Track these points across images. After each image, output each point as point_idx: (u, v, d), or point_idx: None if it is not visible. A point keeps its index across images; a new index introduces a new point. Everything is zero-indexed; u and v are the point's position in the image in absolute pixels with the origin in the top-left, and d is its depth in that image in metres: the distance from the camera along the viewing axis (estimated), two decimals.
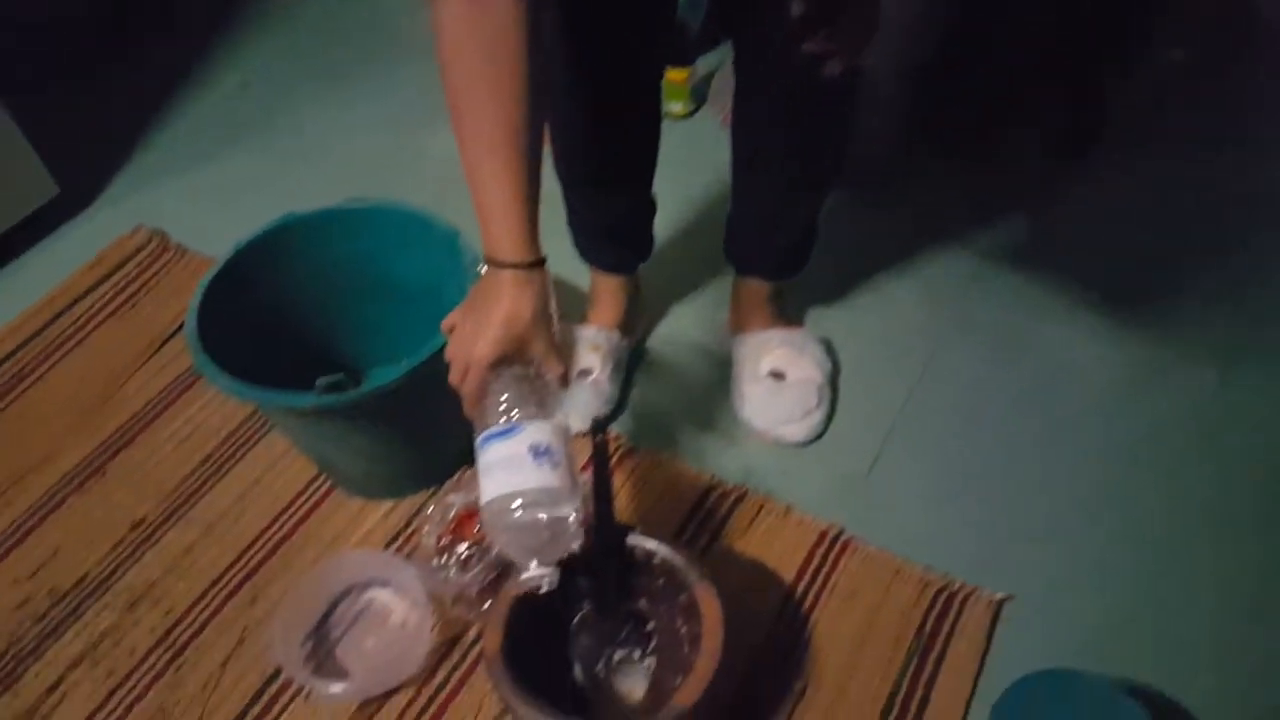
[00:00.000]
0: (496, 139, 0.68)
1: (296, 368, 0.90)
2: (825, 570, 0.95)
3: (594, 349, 1.11)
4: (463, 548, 0.89)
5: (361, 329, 1.06)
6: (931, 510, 1.00)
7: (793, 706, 0.85)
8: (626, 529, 0.81)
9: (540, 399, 0.72)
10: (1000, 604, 0.91)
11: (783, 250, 1.09)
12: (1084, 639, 0.89)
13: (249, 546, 1.02)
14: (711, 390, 1.14)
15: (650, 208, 1.10)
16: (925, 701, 0.85)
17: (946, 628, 0.90)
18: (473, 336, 0.71)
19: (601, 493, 0.77)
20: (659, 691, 0.83)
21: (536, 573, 0.73)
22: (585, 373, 1.09)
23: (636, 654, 0.85)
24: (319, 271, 1.02)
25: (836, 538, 0.97)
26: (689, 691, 0.71)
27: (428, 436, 0.99)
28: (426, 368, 0.84)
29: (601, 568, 0.81)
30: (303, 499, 1.06)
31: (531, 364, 0.73)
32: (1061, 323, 1.17)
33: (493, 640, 0.76)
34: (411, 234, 1.00)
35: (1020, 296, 1.21)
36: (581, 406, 1.07)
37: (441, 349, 0.81)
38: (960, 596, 0.92)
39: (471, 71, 0.66)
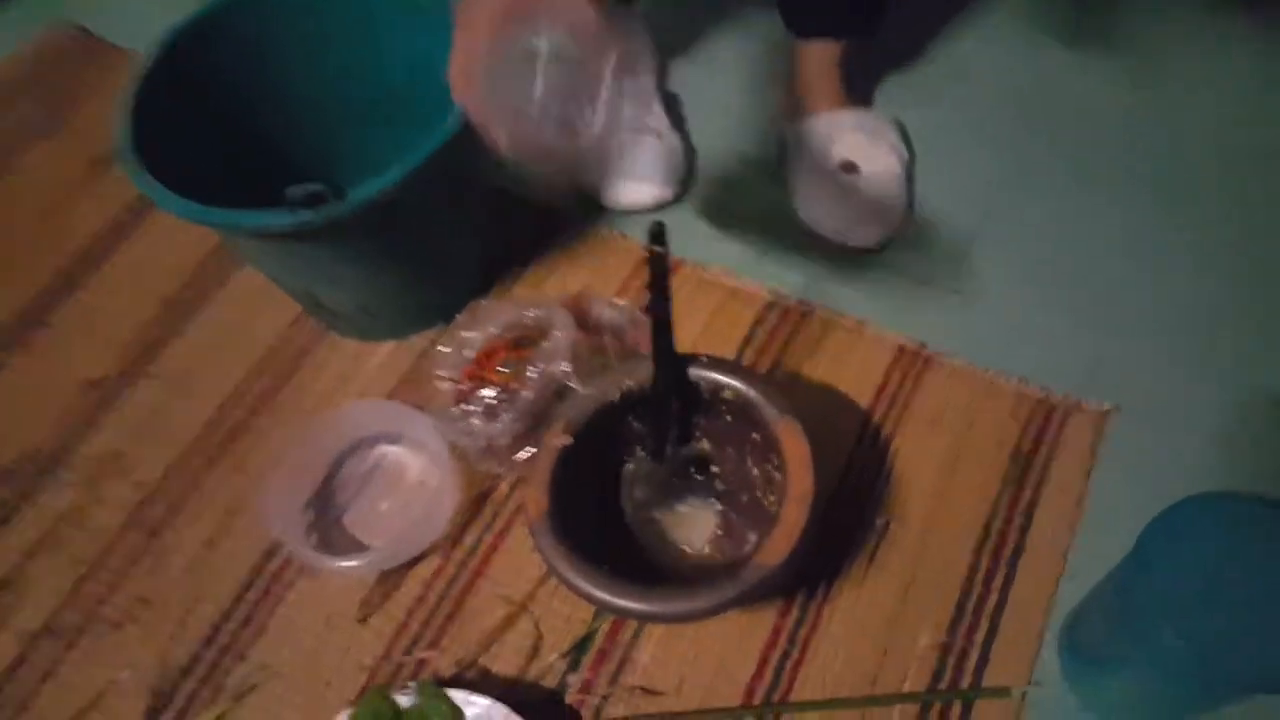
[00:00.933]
0: None
1: (264, 188, 0.71)
2: (906, 391, 0.81)
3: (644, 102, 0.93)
4: (488, 392, 0.74)
5: (339, 134, 0.86)
6: (1023, 318, 0.85)
7: (876, 545, 0.73)
8: (689, 359, 0.66)
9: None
10: (1105, 416, 0.79)
11: None
12: (1197, 453, 0.77)
13: (227, 403, 0.86)
14: (766, 188, 0.96)
15: None
16: (1025, 529, 0.73)
17: (1046, 448, 0.77)
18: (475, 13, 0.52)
19: (660, 316, 0.61)
20: (730, 544, 0.70)
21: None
22: (652, 130, 0.92)
23: (700, 504, 0.72)
24: (280, 63, 0.81)
25: (917, 354, 0.83)
26: (775, 547, 0.58)
27: (433, 261, 0.82)
28: (427, 172, 0.66)
29: (659, 406, 0.66)
30: (287, 344, 0.89)
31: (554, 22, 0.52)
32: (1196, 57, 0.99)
33: (536, 501, 0.62)
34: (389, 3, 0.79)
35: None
36: (649, 168, 0.90)
37: (445, 146, 0.63)
38: (1061, 411, 0.79)
39: None
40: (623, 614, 0.57)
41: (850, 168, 0.90)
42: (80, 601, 0.76)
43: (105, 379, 0.88)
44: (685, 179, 0.95)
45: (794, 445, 0.61)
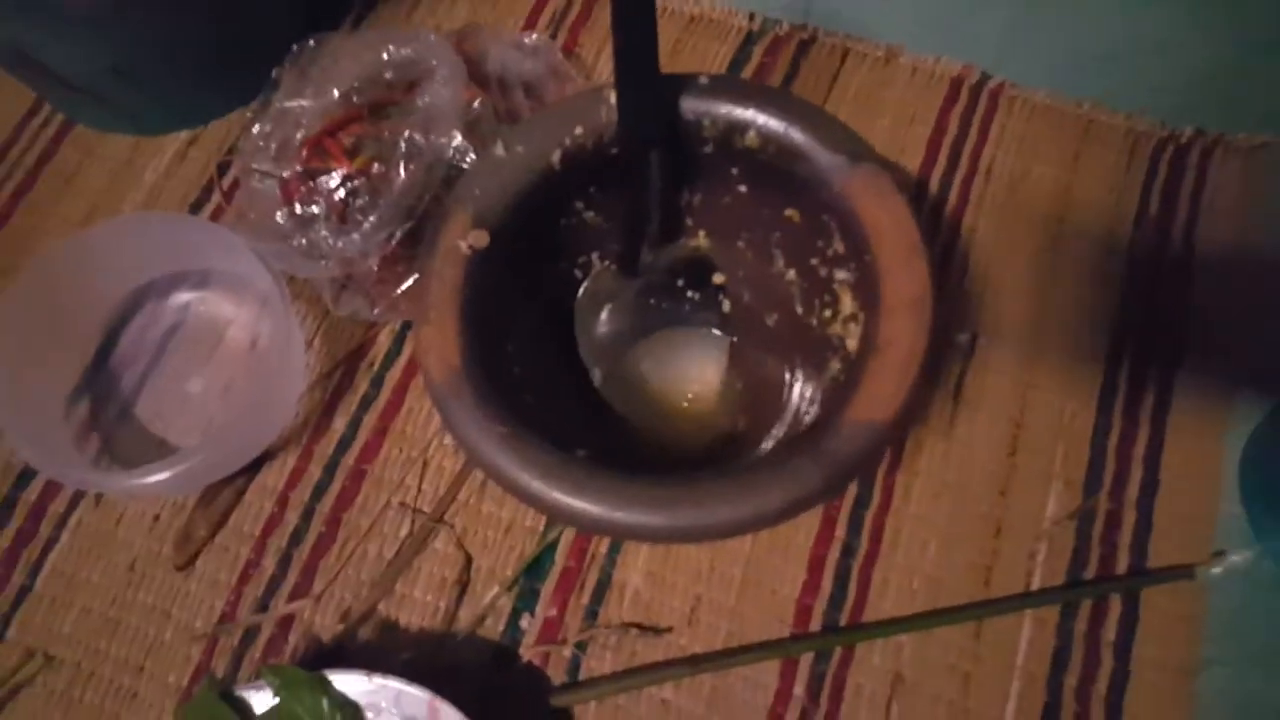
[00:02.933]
0: None
1: None
2: (972, 143, 0.52)
3: None
4: (334, 180, 0.43)
5: None
6: (1111, 25, 0.55)
7: (962, 373, 0.47)
8: (679, 81, 0.36)
9: None
10: (1261, 150, 0.53)
11: None
12: None
13: None
14: None
15: None
16: (1178, 325, 0.47)
17: (1183, 203, 0.51)
18: None
19: (631, 6, 0.31)
20: (753, 389, 0.43)
21: None
22: None
23: (700, 336, 0.45)
24: None
25: (980, 86, 0.54)
26: (880, 390, 0.31)
27: None
28: None
29: (634, 168, 0.37)
30: (18, 150, 0.55)
31: None
32: None
33: (440, 350, 0.33)
34: None
35: None
36: None
37: None
38: (1196, 151, 0.53)
39: None
40: (635, 536, 0.30)
41: None
42: None
43: None
44: None
45: (886, 216, 0.33)
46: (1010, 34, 0.55)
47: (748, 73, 0.55)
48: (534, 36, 0.53)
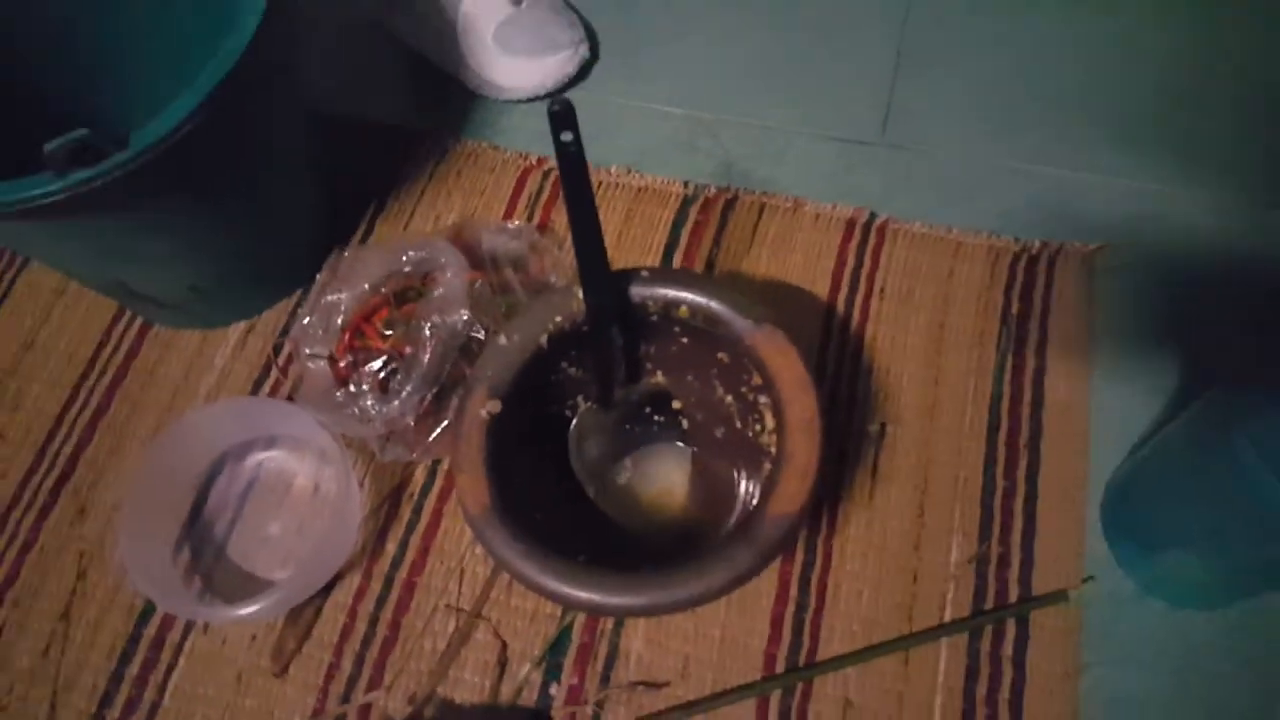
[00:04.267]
0: None
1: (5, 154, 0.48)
2: (866, 269, 0.65)
3: None
4: (376, 364, 0.55)
5: (88, 63, 0.61)
6: (968, 163, 0.70)
7: (876, 455, 0.59)
8: (627, 276, 0.48)
9: None
10: (1095, 255, 0.66)
11: None
12: (1196, 275, 0.65)
13: (49, 438, 0.64)
14: (652, 52, 0.77)
15: None
16: (1038, 402, 0.59)
17: (1038, 302, 0.63)
18: None
19: (585, 223, 0.43)
20: (713, 491, 0.54)
21: None
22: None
23: (666, 449, 0.56)
24: None
25: (869, 224, 0.67)
26: (789, 490, 0.42)
27: (268, 211, 0.61)
28: (235, 89, 0.46)
29: (599, 341, 0.49)
30: (107, 352, 0.67)
31: None
32: None
33: (473, 491, 0.44)
34: None
35: None
36: (541, 43, 0.72)
37: (253, 48, 0.43)
38: (1045, 259, 0.65)
39: None
40: (622, 613, 0.42)
41: None
42: None
43: None
44: (587, 43, 0.75)
45: (782, 361, 0.46)
46: (889, 181, 0.69)
47: (686, 229, 0.68)
48: (515, 223, 0.66)
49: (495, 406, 0.46)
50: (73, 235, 0.50)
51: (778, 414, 0.45)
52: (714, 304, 0.47)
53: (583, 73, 0.76)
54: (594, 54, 0.77)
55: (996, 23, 0.76)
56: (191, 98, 0.44)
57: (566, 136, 0.40)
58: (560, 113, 0.40)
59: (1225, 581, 0.52)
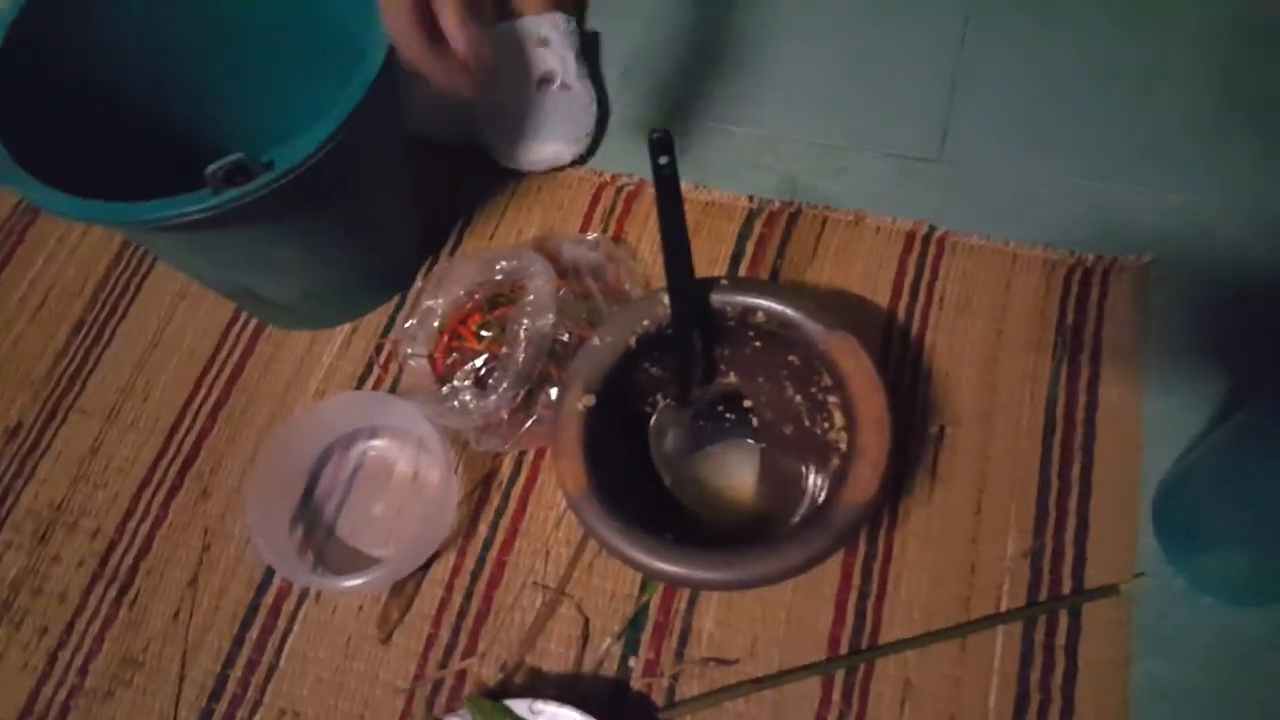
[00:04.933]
0: None
1: (161, 178, 0.54)
2: (926, 280, 0.68)
3: (540, 44, 0.76)
4: (478, 362, 0.60)
5: (231, 95, 0.68)
6: (1023, 179, 0.72)
7: (936, 455, 0.62)
8: (709, 284, 0.52)
9: None
10: (1147, 268, 0.68)
11: None
12: (1245, 286, 0.67)
13: (175, 426, 0.70)
14: (717, 73, 0.81)
15: None
16: (1092, 406, 0.62)
17: (1092, 313, 0.66)
18: None
19: (675, 241, 0.48)
20: (780, 484, 0.58)
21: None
22: (545, 80, 0.76)
23: (737, 445, 0.60)
24: (153, 24, 0.63)
25: (928, 237, 0.70)
26: (862, 481, 0.46)
27: (379, 224, 0.66)
28: (360, 120, 0.51)
29: (682, 344, 0.53)
30: (226, 350, 0.73)
31: None
32: None
33: (574, 475, 0.49)
34: None
35: None
36: (560, 127, 0.75)
37: (376, 87, 0.48)
38: (1099, 271, 0.68)
39: None
40: (703, 586, 0.45)
41: None
42: (59, 675, 0.62)
43: (26, 424, 0.72)
44: (595, 132, 0.78)
45: (854, 363, 0.49)
46: (946, 196, 0.72)
47: (751, 242, 0.72)
48: (593, 235, 0.70)
49: (590, 400, 0.51)
50: (216, 245, 0.56)
51: (849, 412, 0.49)
52: (789, 310, 0.51)
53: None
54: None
55: (1048, 45, 0.79)
56: (327, 125, 0.49)
57: (663, 160, 0.45)
58: (659, 140, 0.44)
59: (1272, 578, 0.54)
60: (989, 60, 0.79)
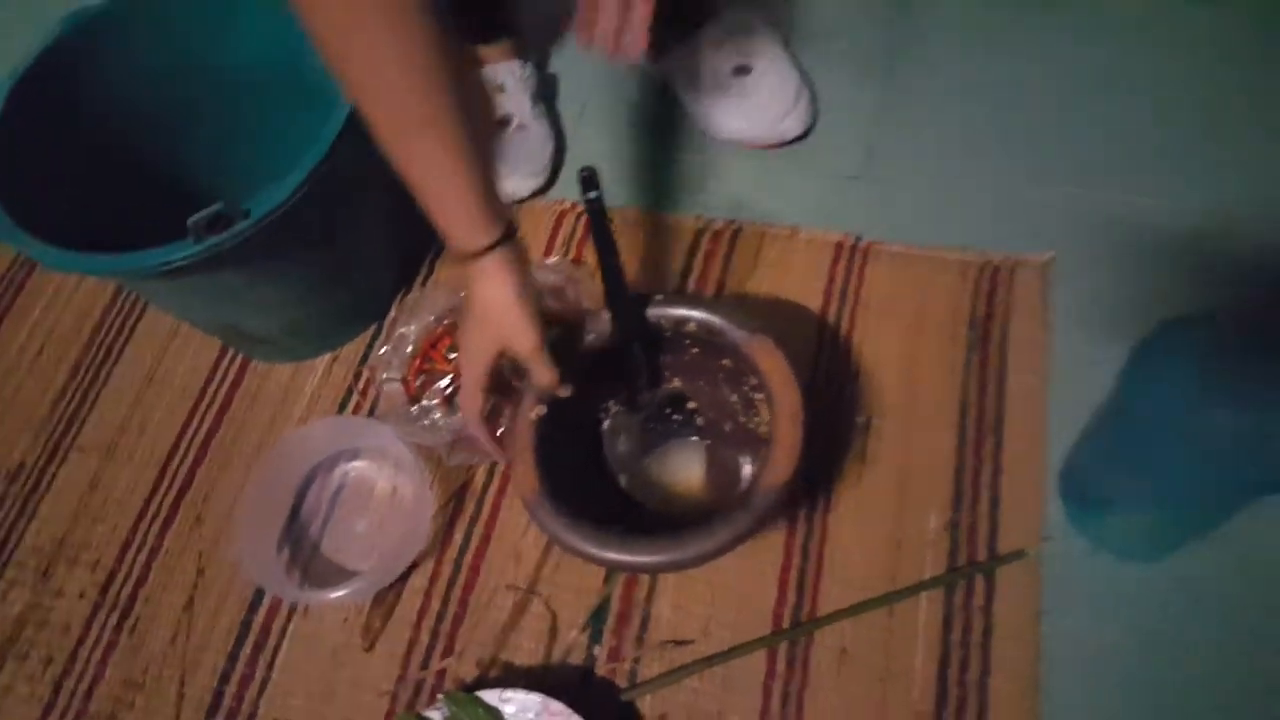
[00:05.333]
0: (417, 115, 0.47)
1: (145, 228, 0.60)
2: (853, 284, 0.75)
3: (498, 91, 0.82)
4: (443, 383, 0.65)
5: (211, 149, 0.74)
6: (942, 189, 0.79)
7: (863, 443, 0.68)
8: (645, 300, 0.58)
9: None
10: (1048, 265, 0.74)
11: None
12: (1140, 282, 0.73)
13: (168, 458, 0.75)
14: (659, 111, 0.87)
15: None
16: (1001, 393, 0.68)
17: (1000, 307, 0.72)
18: (463, 358, 0.56)
19: (609, 265, 0.54)
20: (724, 476, 0.64)
21: None
22: (502, 122, 0.82)
23: (684, 443, 0.66)
24: (138, 86, 0.69)
25: (855, 246, 0.77)
26: (778, 466, 0.52)
27: (354, 260, 0.72)
28: (332, 164, 0.57)
29: (626, 355, 0.59)
30: (215, 383, 0.78)
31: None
32: None
33: (526, 478, 0.54)
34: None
35: None
36: (518, 164, 0.81)
37: (344, 133, 0.54)
38: (1005, 270, 0.74)
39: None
40: (644, 569, 0.51)
41: (744, 70, 0.81)
42: (64, 703, 0.67)
43: (28, 465, 0.77)
44: (551, 167, 0.84)
45: (771, 362, 0.55)
46: (869, 209, 0.78)
47: (699, 257, 0.78)
48: (553, 259, 0.76)
49: (541, 410, 0.56)
50: (199, 288, 0.62)
51: (770, 406, 0.54)
52: (714, 318, 0.57)
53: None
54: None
55: (964, 71, 0.85)
56: (298, 174, 0.55)
57: (592, 195, 0.51)
58: (587, 177, 0.50)
59: (1167, 526, 0.59)
60: (911, 87, 0.85)
